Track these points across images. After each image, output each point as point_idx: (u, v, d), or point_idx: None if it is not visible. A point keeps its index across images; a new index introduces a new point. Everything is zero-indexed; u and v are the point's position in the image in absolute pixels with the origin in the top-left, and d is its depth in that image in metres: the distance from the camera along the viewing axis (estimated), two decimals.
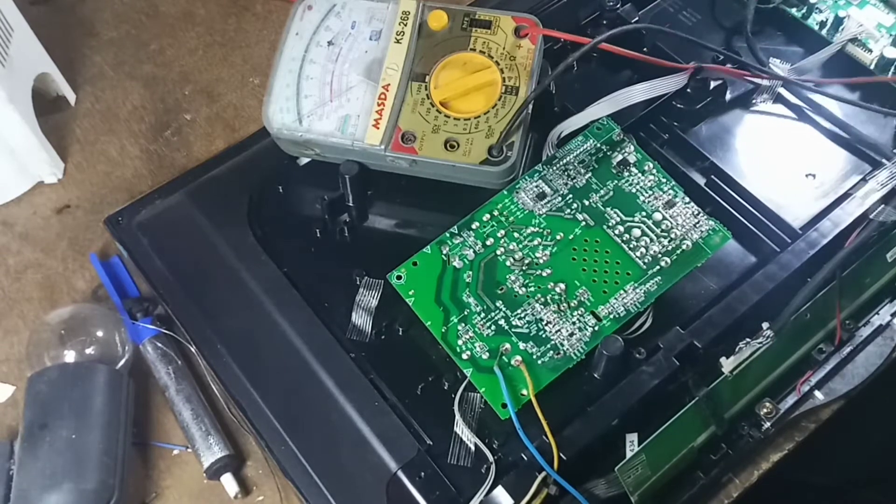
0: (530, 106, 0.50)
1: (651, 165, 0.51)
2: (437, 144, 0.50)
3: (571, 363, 0.45)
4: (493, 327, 0.46)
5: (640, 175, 0.51)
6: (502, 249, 0.48)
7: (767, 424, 0.46)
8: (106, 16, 0.69)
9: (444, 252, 0.48)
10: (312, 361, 0.48)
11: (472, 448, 0.45)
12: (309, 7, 0.53)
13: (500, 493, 0.43)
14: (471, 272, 0.48)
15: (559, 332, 0.46)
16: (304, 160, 0.55)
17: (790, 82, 0.56)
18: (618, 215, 0.49)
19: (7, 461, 0.46)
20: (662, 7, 0.63)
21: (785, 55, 0.59)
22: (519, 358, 0.45)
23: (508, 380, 0.44)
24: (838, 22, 0.58)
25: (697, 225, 0.49)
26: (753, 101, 0.57)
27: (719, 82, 0.56)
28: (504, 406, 0.44)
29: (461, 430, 0.45)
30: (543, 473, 0.42)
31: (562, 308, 0.47)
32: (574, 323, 0.46)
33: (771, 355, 0.45)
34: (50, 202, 0.59)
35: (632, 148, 0.51)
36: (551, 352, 0.46)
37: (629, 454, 0.43)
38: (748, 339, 0.45)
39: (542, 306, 0.47)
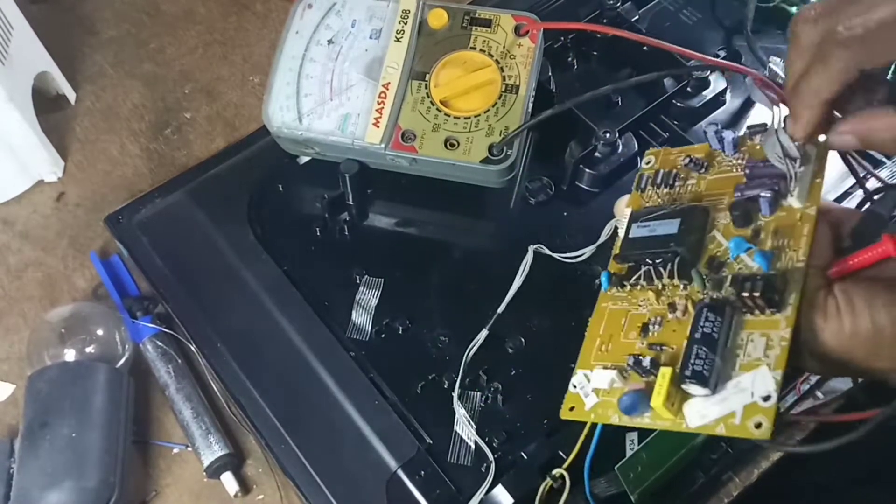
0: (530, 106, 0.50)
1: None
2: (438, 143, 0.50)
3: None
4: None
5: None
6: None
7: None
8: (106, 14, 0.69)
9: None
10: (312, 360, 0.48)
11: (472, 447, 0.45)
12: (309, 5, 0.53)
13: (500, 491, 0.43)
14: None
15: None
16: (304, 159, 0.55)
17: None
18: None
19: (7, 459, 0.46)
20: (662, 6, 0.62)
21: (785, 54, 0.58)
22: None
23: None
24: None
25: None
26: (754, 99, 0.57)
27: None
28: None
29: (461, 428, 0.45)
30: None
31: None
32: None
33: None
34: (50, 201, 0.59)
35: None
36: None
37: (629, 453, 0.43)
38: None
39: None
